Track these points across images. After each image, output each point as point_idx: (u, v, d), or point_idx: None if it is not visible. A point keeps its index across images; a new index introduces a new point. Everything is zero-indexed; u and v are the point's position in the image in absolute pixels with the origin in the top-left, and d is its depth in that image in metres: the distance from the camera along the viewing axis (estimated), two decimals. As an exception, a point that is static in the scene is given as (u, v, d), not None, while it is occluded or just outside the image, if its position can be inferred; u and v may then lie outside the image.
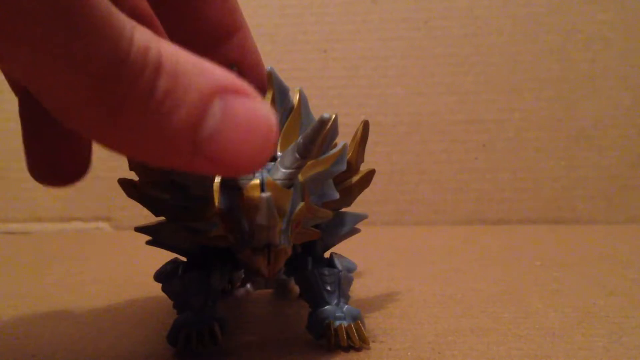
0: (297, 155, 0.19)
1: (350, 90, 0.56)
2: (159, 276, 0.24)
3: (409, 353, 0.21)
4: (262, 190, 0.18)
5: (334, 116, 0.20)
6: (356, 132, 0.23)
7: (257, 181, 0.18)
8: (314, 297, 0.23)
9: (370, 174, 0.24)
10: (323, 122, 0.18)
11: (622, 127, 0.54)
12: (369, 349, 0.22)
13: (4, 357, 0.22)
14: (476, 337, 0.23)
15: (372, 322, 0.25)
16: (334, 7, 0.57)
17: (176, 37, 0.21)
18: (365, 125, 0.23)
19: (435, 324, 0.25)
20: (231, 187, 0.19)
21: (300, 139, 0.19)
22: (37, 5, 0.12)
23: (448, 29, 0.56)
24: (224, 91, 0.14)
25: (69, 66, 0.12)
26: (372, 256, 0.38)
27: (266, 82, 0.22)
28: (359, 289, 0.30)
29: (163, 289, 0.24)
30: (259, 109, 0.15)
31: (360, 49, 0.56)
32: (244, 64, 0.22)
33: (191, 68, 0.14)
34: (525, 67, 0.56)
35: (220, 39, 0.21)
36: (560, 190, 0.54)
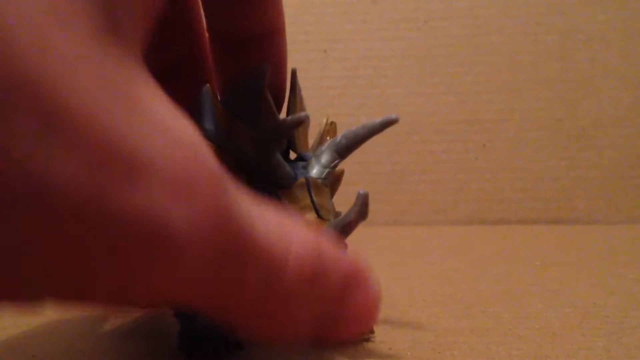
0: (336, 155, 0.18)
1: (350, 90, 0.56)
2: None
3: (409, 353, 0.21)
4: (308, 189, 0.18)
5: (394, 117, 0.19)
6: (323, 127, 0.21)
7: (302, 180, 0.18)
8: None
9: (341, 174, 0.23)
10: (388, 123, 0.18)
11: (622, 127, 0.54)
12: (374, 339, 0.22)
13: (4, 357, 0.22)
14: (476, 337, 0.23)
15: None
16: (334, 7, 0.57)
17: (215, 28, 0.21)
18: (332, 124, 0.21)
19: (435, 324, 0.25)
20: (274, 185, 0.18)
21: (342, 139, 0.18)
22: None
23: (448, 29, 0.56)
24: (351, 272, 0.15)
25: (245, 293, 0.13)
26: (372, 256, 0.38)
27: (285, 88, 0.22)
28: (359, 289, 0.30)
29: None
30: (372, 287, 0.16)
31: (360, 49, 0.56)
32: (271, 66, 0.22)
33: (330, 254, 0.14)
34: (525, 67, 0.56)
35: (258, 37, 0.22)
36: (560, 190, 0.54)
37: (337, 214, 0.20)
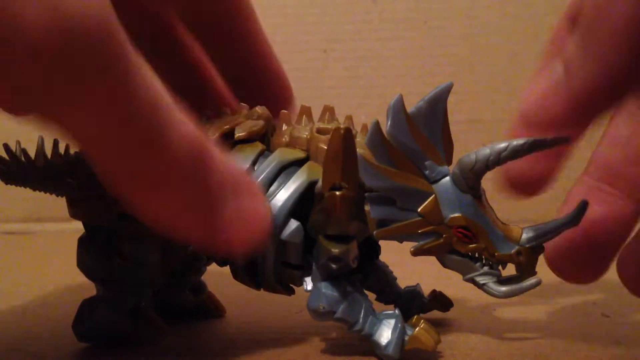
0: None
1: (350, 90, 0.56)
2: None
3: (408, 354, 0.21)
4: None
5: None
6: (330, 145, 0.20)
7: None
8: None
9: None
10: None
11: (622, 127, 0.54)
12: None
13: (4, 356, 0.22)
14: (476, 336, 0.23)
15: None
16: (334, 7, 0.57)
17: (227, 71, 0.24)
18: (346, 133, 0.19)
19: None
20: None
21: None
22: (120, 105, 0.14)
23: (448, 29, 0.56)
24: (240, 192, 0.18)
25: (125, 140, 0.15)
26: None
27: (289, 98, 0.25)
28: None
29: None
30: (261, 208, 0.19)
31: (360, 49, 0.56)
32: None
33: (219, 159, 0.17)
34: (525, 67, 0.56)
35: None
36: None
37: None
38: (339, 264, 0.20)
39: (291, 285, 0.22)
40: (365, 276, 0.24)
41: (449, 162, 0.21)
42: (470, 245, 0.20)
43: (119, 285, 0.22)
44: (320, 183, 0.20)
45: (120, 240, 0.22)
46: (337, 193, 0.19)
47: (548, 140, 0.19)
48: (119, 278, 0.22)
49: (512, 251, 0.20)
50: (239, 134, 0.22)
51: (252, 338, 0.23)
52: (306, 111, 0.23)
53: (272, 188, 0.21)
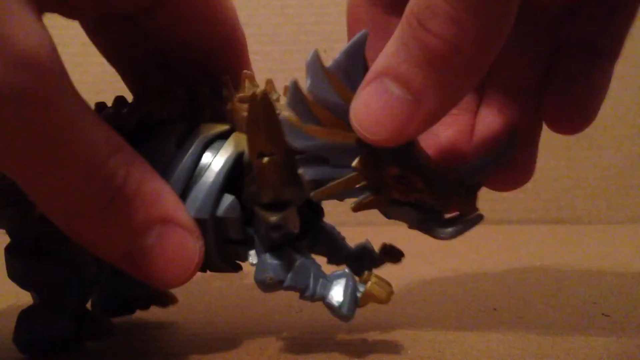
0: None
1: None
2: None
3: (409, 351, 0.21)
4: None
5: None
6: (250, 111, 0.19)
7: None
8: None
9: None
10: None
11: (622, 127, 0.55)
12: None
13: (4, 356, 0.22)
14: (476, 336, 0.23)
15: (372, 322, 0.25)
16: (334, 7, 0.57)
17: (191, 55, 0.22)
18: (263, 97, 0.19)
19: (435, 322, 0.25)
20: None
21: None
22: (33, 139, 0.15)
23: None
24: (166, 221, 0.18)
25: (50, 176, 0.16)
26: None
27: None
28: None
29: None
30: (189, 243, 0.18)
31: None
32: (236, 67, 0.23)
33: (148, 194, 0.18)
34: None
35: (221, 45, 0.23)
36: (560, 190, 0.54)
37: None
38: (280, 232, 0.20)
39: (237, 262, 0.22)
40: (313, 240, 0.23)
41: None
42: (410, 194, 0.19)
43: (56, 289, 0.21)
44: (247, 153, 0.20)
45: (49, 242, 0.21)
46: (265, 160, 0.19)
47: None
48: (54, 282, 0.21)
49: (451, 192, 0.19)
50: (157, 116, 0.21)
51: (252, 338, 0.23)
52: (249, 77, 0.22)
53: (200, 165, 0.20)
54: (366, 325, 0.24)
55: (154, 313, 0.27)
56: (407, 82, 0.16)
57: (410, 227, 0.20)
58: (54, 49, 0.15)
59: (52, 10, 0.20)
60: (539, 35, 0.21)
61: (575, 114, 0.21)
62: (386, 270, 0.30)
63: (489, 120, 0.22)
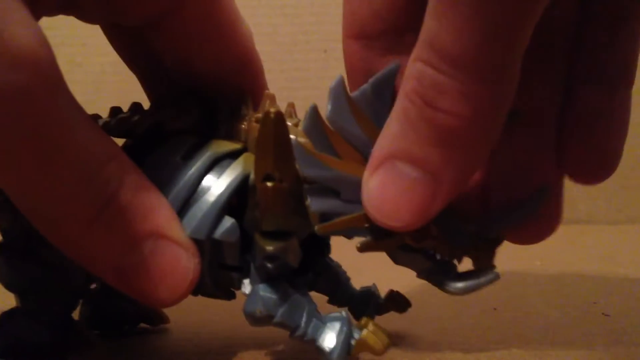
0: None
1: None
2: None
3: (409, 353, 0.21)
4: None
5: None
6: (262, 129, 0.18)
7: None
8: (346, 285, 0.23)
9: None
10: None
11: (622, 127, 0.54)
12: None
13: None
14: (476, 336, 0.23)
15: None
16: (334, 7, 0.57)
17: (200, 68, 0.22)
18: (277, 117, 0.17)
19: (436, 322, 0.25)
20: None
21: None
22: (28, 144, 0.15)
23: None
24: (159, 236, 0.17)
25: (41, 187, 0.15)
26: (371, 256, 0.38)
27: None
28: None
29: None
30: (182, 260, 0.18)
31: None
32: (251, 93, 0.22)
33: (142, 207, 0.17)
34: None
35: (234, 70, 0.22)
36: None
37: None
38: (276, 263, 0.18)
39: (231, 289, 0.21)
40: (314, 277, 0.22)
41: None
42: (423, 241, 0.18)
43: (41, 295, 0.21)
44: (252, 175, 0.18)
45: (38, 244, 0.19)
46: (269, 184, 0.17)
47: None
48: (40, 287, 0.21)
49: (468, 244, 0.19)
50: (169, 126, 0.20)
51: (251, 337, 0.23)
52: (270, 98, 0.21)
53: (205, 183, 0.19)
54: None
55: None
56: (423, 163, 0.16)
57: (418, 276, 0.20)
58: (51, 51, 0.15)
59: (67, 12, 0.20)
60: (548, 74, 0.20)
61: (596, 161, 0.20)
62: (387, 270, 0.30)
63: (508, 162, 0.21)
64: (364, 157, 0.18)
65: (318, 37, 0.57)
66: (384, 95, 0.18)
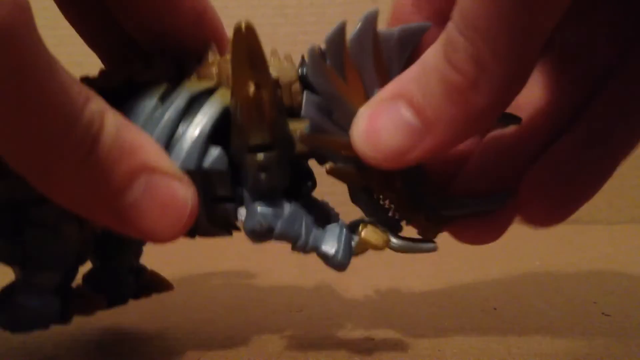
0: None
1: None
2: None
3: (409, 352, 0.21)
4: None
5: None
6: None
7: None
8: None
9: None
10: None
11: (622, 127, 0.54)
12: None
13: (4, 356, 0.22)
14: (476, 335, 0.23)
15: (372, 322, 0.25)
16: (334, 7, 0.57)
17: (153, 26, 0.21)
18: (248, 32, 0.17)
19: (436, 322, 0.25)
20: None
21: None
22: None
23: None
24: (151, 170, 0.17)
25: (21, 123, 0.15)
26: (371, 256, 0.38)
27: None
28: (358, 288, 0.30)
29: None
30: (178, 191, 0.17)
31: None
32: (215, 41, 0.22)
33: (127, 143, 0.16)
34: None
35: (192, 25, 0.22)
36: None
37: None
38: (268, 173, 0.19)
39: (228, 223, 0.21)
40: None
41: None
42: (385, 190, 0.19)
43: (38, 264, 0.20)
44: (232, 100, 0.19)
45: (28, 207, 0.20)
46: (250, 93, 0.18)
47: None
48: (35, 255, 0.20)
49: (422, 215, 0.19)
50: (140, 78, 0.20)
51: (251, 338, 0.23)
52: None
53: (185, 119, 0.19)
54: (366, 325, 0.24)
55: (152, 312, 0.27)
56: (421, 111, 0.16)
57: (365, 221, 0.20)
58: None
59: None
60: (570, 96, 0.20)
61: (558, 204, 0.21)
62: (387, 270, 0.30)
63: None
64: (366, 93, 0.18)
65: (318, 37, 0.57)
66: (406, 46, 0.18)
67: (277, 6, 0.57)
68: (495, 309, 0.27)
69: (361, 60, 0.18)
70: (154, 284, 0.25)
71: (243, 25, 0.17)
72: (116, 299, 0.24)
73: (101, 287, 0.24)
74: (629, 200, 0.54)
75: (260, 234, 0.19)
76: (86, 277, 0.24)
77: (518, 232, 0.54)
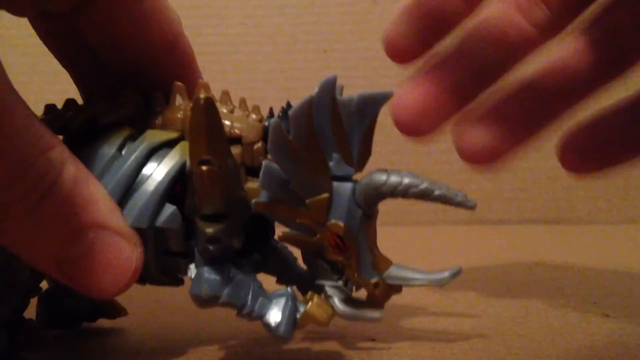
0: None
1: (351, 90, 0.56)
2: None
3: (409, 352, 0.21)
4: None
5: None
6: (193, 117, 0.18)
7: None
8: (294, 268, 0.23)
9: None
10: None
11: (622, 127, 0.54)
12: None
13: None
14: (476, 336, 0.23)
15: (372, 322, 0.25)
16: (334, 7, 0.57)
17: (126, 53, 0.22)
18: (206, 103, 0.18)
19: (435, 323, 0.25)
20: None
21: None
22: None
23: (448, 29, 0.56)
24: (100, 227, 0.17)
25: None
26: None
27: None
28: (359, 288, 0.30)
29: None
30: (124, 250, 0.17)
31: (360, 49, 0.57)
32: (183, 77, 0.22)
33: (81, 198, 0.16)
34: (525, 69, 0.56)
35: (163, 53, 0.22)
36: (560, 190, 0.54)
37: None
38: (218, 245, 0.19)
39: (178, 275, 0.21)
40: (262, 259, 0.22)
41: (359, 169, 0.20)
42: (337, 257, 0.19)
43: None
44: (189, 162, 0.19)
45: None
46: (204, 168, 0.18)
47: (455, 202, 0.19)
48: None
49: (372, 280, 0.19)
50: (104, 119, 0.20)
51: (251, 337, 0.23)
52: (204, 87, 0.21)
53: (143, 172, 0.19)
54: (366, 325, 0.24)
55: (152, 312, 0.27)
56: None
57: (316, 282, 0.20)
58: None
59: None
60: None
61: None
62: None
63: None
64: (326, 156, 0.19)
65: (318, 37, 0.57)
66: (367, 112, 0.19)
67: (277, 6, 0.57)
68: (495, 309, 0.27)
69: (319, 126, 0.18)
70: (108, 308, 0.25)
71: (202, 99, 0.17)
72: (71, 321, 0.24)
73: (55, 309, 0.24)
74: (629, 200, 0.54)
75: (204, 301, 0.19)
76: (41, 297, 0.23)
77: (518, 232, 0.54)
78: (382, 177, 0.19)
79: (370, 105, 0.19)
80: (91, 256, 0.17)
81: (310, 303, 0.20)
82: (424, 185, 0.19)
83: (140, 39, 0.21)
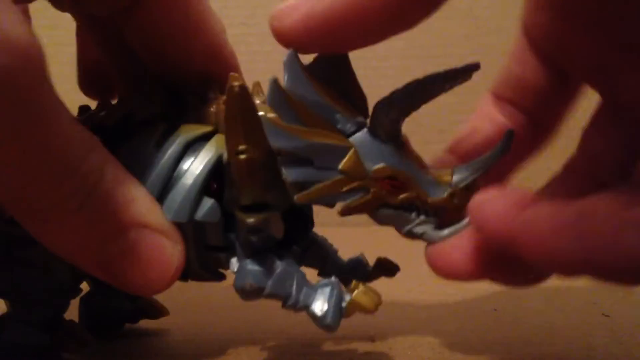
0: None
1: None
2: None
3: (409, 352, 0.21)
4: None
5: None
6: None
7: None
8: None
9: None
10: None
11: (622, 127, 0.54)
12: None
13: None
14: (477, 336, 0.23)
15: (372, 322, 0.25)
16: (334, 7, 0.57)
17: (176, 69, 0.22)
18: (240, 91, 0.17)
19: (436, 323, 0.25)
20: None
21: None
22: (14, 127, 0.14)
23: (448, 29, 0.56)
24: (141, 226, 0.17)
25: (23, 173, 0.15)
26: (371, 256, 0.38)
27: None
28: (359, 288, 0.30)
29: None
30: (166, 248, 0.18)
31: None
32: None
33: (122, 198, 0.17)
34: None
35: (205, 61, 0.22)
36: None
37: None
38: (259, 235, 0.18)
39: (219, 270, 0.21)
40: (303, 252, 0.22)
41: (365, 115, 0.19)
42: (401, 196, 0.18)
43: (28, 297, 0.21)
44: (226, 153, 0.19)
45: (18, 246, 0.20)
46: (242, 157, 0.17)
47: (460, 68, 0.18)
48: (26, 289, 0.20)
49: (445, 194, 0.19)
50: (140, 115, 0.20)
51: (251, 337, 0.23)
52: (236, 78, 0.20)
53: (180, 167, 0.19)
54: (367, 325, 0.24)
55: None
56: None
57: (402, 233, 0.20)
58: (39, 42, 0.14)
59: None
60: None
61: None
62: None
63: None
64: (329, 121, 0.18)
65: (318, 37, 0.57)
66: (340, 63, 0.19)
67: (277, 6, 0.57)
68: (495, 310, 0.27)
69: (306, 98, 0.18)
70: (149, 308, 0.25)
71: (236, 87, 0.17)
72: (113, 323, 0.24)
73: (96, 311, 0.24)
74: (629, 200, 0.54)
75: (249, 293, 0.19)
76: (83, 299, 0.24)
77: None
78: (385, 102, 0.18)
79: (337, 58, 0.19)
80: (133, 254, 0.17)
81: (356, 291, 0.19)
82: (421, 79, 0.19)
83: (183, 49, 0.21)
